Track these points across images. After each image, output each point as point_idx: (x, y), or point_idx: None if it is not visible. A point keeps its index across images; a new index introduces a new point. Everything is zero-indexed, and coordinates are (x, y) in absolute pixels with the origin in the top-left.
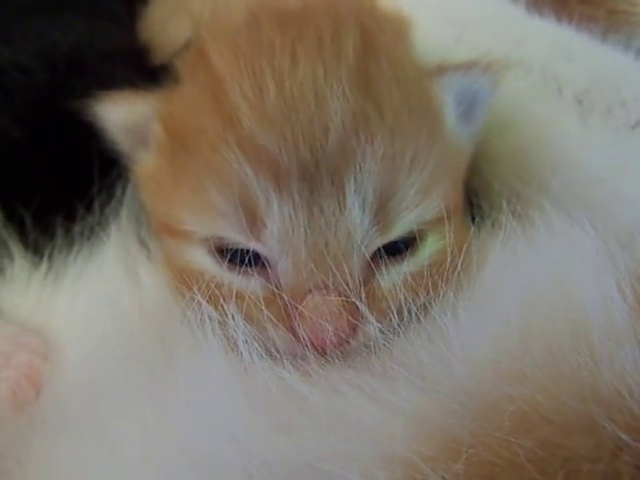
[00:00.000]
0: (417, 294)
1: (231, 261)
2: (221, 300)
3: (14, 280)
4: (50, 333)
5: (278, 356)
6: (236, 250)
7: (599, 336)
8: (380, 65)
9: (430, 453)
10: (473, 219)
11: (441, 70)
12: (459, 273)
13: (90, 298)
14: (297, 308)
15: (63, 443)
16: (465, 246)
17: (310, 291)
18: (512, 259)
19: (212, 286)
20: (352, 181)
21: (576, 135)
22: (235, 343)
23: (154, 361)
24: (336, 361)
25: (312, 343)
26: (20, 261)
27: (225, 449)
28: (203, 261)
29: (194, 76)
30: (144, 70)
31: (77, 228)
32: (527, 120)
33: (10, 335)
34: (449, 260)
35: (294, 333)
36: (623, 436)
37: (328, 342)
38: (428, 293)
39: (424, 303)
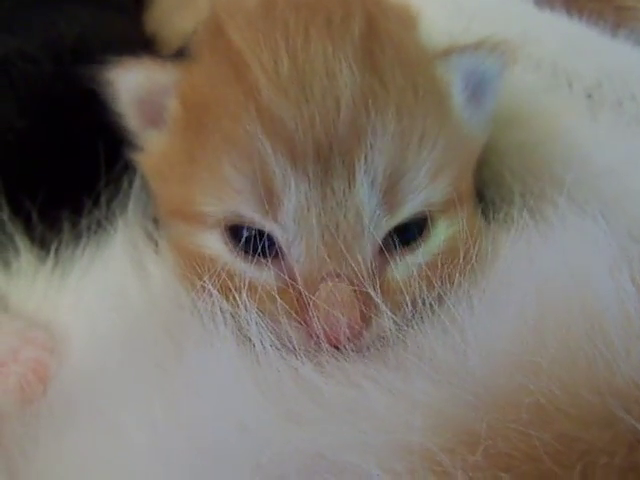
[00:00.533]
0: (431, 285)
1: (244, 249)
2: (233, 290)
3: (20, 274)
4: (57, 327)
5: (291, 347)
6: (249, 236)
7: (615, 328)
8: (383, 48)
9: (447, 445)
10: (485, 213)
11: (447, 52)
12: (473, 262)
13: (97, 292)
14: (311, 298)
15: (70, 436)
16: (476, 234)
17: (323, 279)
18: (525, 252)
19: (223, 275)
20: (362, 160)
21: (586, 129)
22: (247, 334)
23: (162, 353)
24: (350, 353)
25: (326, 334)
26: (26, 255)
27: (235, 439)
28: (215, 247)
29: (213, 50)
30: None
31: (84, 222)
32: (537, 114)
33: (18, 330)
34: (462, 248)
35: (307, 324)
36: None
37: (342, 333)
38: (443, 283)
39: (439, 294)
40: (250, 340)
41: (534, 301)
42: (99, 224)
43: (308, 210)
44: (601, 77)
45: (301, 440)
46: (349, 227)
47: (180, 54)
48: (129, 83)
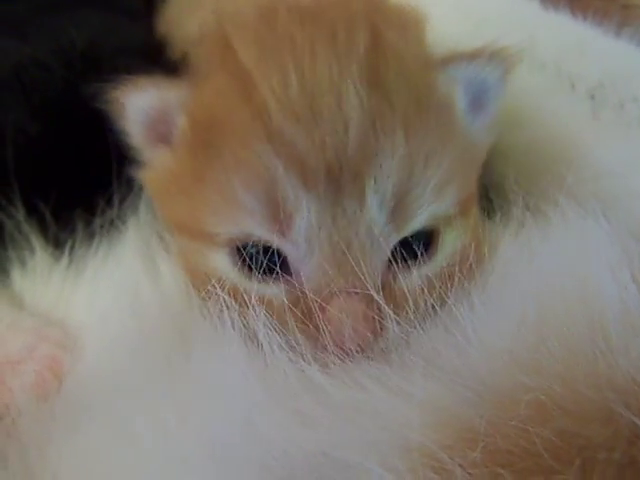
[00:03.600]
0: (441, 295)
1: (253, 267)
2: (242, 303)
3: (35, 273)
4: (71, 325)
5: (297, 348)
6: (259, 253)
7: (615, 325)
8: (388, 62)
9: (447, 442)
10: (487, 213)
11: (447, 61)
12: (480, 270)
13: (110, 290)
14: (323, 312)
15: (83, 434)
16: (482, 241)
17: (335, 294)
18: (526, 251)
19: (232, 292)
20: (372, 181)
21: (588, 130)
22: (254, 335)
23: (173, 353)
24: (355, 354)
25: (339, 347)
26: (41, 254)
27: (243, 440)
28: (222, 265)
29: (222, 67)
30: (161, 65)
31: (97, 222)
32: (540, 115)
33: (33, 327)
34: (470, 258)
35: (320, 338)
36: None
37: (353, 347)
38: (452, 293)
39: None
40: (257, 341)
41: (534, 299)
42: (112, 223)
43: (320, 229)
44: (603, 78)
45: (306, 439)
46: (360, 244)
47: (186, 58)
48: (140, 102)
